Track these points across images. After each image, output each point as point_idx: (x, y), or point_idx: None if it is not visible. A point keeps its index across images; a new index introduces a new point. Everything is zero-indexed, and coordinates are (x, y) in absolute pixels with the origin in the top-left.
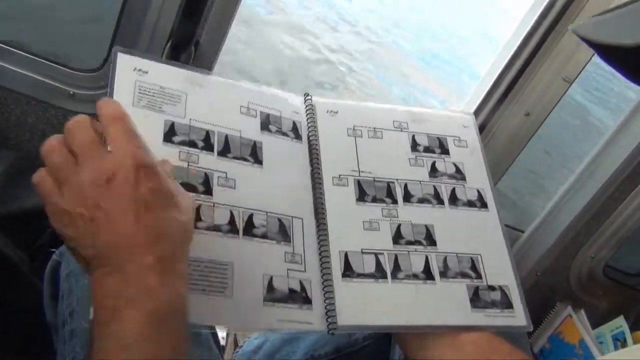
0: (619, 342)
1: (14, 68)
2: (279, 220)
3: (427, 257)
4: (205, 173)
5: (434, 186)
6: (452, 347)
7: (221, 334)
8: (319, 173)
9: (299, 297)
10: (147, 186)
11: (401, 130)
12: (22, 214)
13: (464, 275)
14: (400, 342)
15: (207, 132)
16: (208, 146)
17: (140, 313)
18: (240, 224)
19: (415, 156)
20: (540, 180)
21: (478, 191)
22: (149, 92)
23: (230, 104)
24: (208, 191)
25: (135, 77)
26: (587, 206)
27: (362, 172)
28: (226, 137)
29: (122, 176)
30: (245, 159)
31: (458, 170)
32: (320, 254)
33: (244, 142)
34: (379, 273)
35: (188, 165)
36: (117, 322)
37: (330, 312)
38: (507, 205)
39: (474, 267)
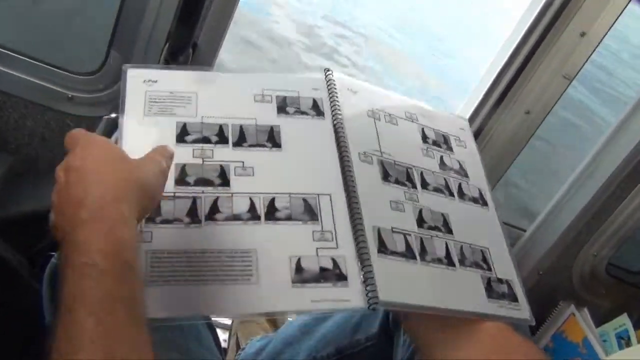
0: (623, 340)
1: (12, 72)
2: (304, 200)
3: (446, 244)
4: (221, 165)
5: (444, 178)
6: (468, 335)
7: (223, 336)
8: (346, 147)
9: (332, 274)
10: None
11: (412, 121)
12: (21, 217)
13: (477, 265)
14: (412, 330)
15: (220, 126)
16: (222, 139)
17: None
18: (261, 210)
19: (426, 147)
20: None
21: (479, 190)
22: (159, 99)
23: (243, 94)
24: (225, 183)
25: (145, 88)
26: (588, 205)
27: (384, 153)
28: (241, 127)
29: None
30: (262, 145)
31: (462, 167)
32: (354, 228)
33: (260, 129)
34: (409, 253)
35: (203, 161)
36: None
37: (370, 286)
38: (508, 204)
39: (484, 259)
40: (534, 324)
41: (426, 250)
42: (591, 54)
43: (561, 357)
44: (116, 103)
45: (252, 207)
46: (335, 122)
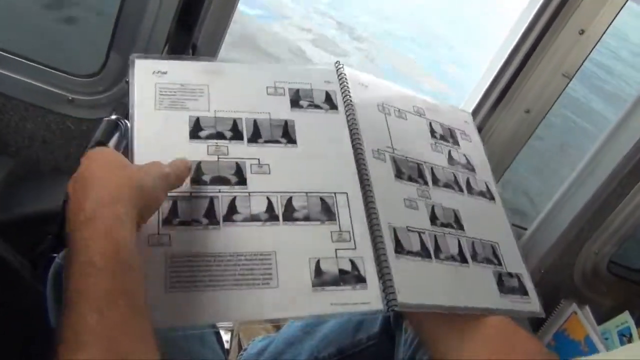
0: (625, 337)
1: (12, 74)
2: (321, 199)
3: (459, 240)
4: (237, 163)
5: (453, 173)
6: (473, 329)
7: (225, 337)
8: (360, 144)
9: (351, 277)
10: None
11: (420, 116)
12: (22, 220)
13: (488, 261)
14: (417, 324)
15: (234, 121)
16: (237, 135)
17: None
18: (279, 210)
19: (435, 142)
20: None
21: (485, 184)
22: (169, 92)
23: (255, 86)
24: (242, 181)
25: (155, 80)
26: (589, 202)
27: (396, 149)
28: (254, 122)
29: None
30: (277, 141)
31: (468, 162)
32: (371, 228)
33: (274, 124)
34: (425, 252)
35: (218, 159)
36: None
37: (388, 289)
38: (510, 202)
39: (495, 255)
40: (543, 315)
41: (440, 248)
42: (590, 52)
43: (563, 356)
44: (116, 105)
45: (270, 207)
46: (349, 117)
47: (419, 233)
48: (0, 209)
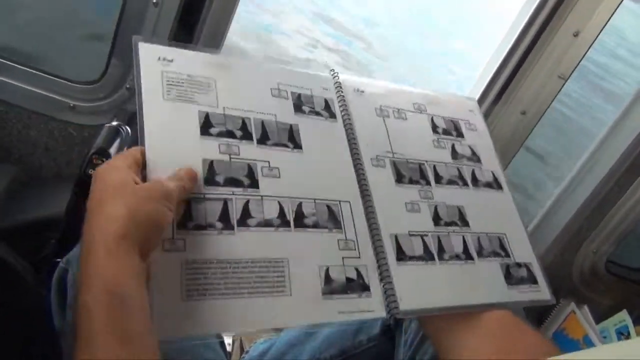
0: (623, 336)
1: (14, 82)
2: (328, 206)
3: (464, 238)
4: (248, 164)
5: (457, 168)
6: (478, 325)
7: (227, 339)
8: (358, 153)
9: (357, 285)
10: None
11: (421, 112)
12: (26, 226)
13: (495, 254)
14: (421, 319)
15: (243, 120)
16: (246, 135)
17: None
18: (290, 216)
19: (437, 138)
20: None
21: (492, 173)
22: (177, 82)
23: (260, 86)
24: (254, 184)
25: (161, 68)
26: (587, 201)
27: (395, 153)
28: (262, 122)
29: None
30: (285, 145)
31: (473, 153)
32: (372, 237)
33: (281, 127)
34: (427, 255)
35: (230, 158)
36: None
37: (390, 297)
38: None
39: (502, 246)
40: (554, 302)
41: (444, 248)
42: (585, 54)
43: None
44: (117, 111)
45: (282, 213)
46: (346, 127)
47: (422, 236)
48: (3, 215)
